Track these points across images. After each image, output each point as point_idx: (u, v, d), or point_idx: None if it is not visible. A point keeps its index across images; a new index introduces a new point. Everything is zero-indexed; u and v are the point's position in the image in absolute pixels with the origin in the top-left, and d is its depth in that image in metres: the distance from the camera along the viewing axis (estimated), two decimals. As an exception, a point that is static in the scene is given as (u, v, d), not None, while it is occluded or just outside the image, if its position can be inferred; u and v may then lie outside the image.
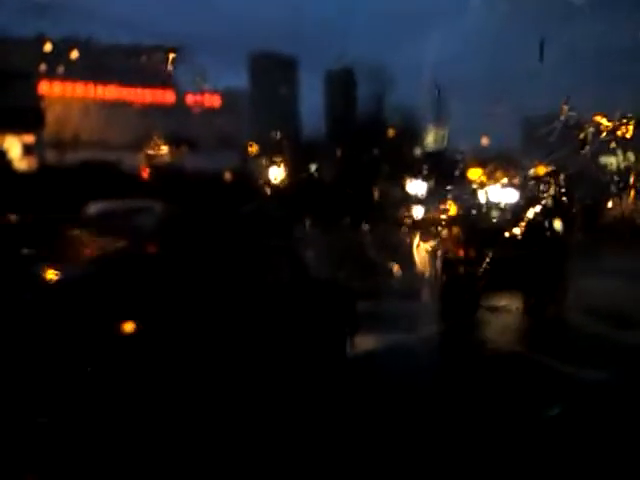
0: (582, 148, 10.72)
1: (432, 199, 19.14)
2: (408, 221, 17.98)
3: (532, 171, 16.02)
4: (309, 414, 4.90)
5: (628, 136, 10.20)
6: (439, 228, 14.07)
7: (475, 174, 20.10)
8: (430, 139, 29.20)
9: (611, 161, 18.69)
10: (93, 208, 12.60)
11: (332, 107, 37.00)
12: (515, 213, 10.67)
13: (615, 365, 6.02)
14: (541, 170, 14.55)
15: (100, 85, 27.86)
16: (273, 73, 41.97)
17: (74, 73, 26.91)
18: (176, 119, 26.99)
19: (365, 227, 15.01)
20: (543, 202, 10.92)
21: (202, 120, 28.63)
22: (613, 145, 10.80)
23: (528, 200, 11.34)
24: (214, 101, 30.78)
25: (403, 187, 21.18)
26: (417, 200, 20.09)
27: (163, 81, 29.09)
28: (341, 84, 36.82)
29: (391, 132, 25.47)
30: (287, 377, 5.34)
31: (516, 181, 17.20)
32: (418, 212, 18.53)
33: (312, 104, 38.35)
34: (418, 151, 27.53)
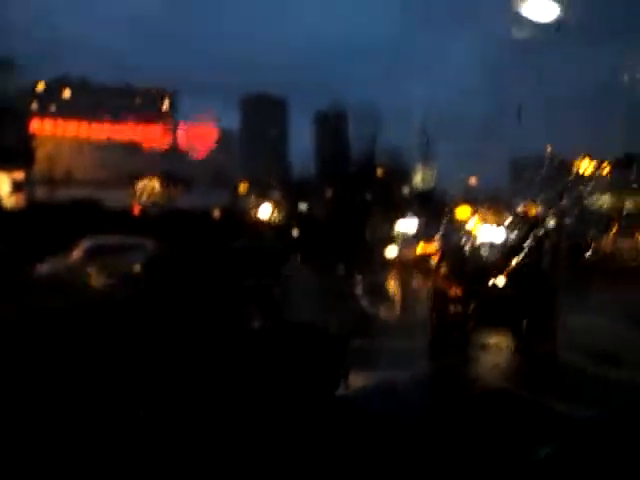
0: (565, 190, 10.99)
1: (422, 238, 19.30)
2: (394, 260, 17.99)
3: (522, 210, 16.25)
4: (296, 457, 4.86)
5: (606, 178, 10.52)
6: (425, 266, 14.17)
7: (464, 213, 20.32)
8: (419, 179, 29.60)
9: (594, 202, 19.06)
10: (84, 245, 12.66)
11: (321, 148, 37.50)
12: (503, 252, 10.77)
13: (605, 402, 6.02)
14: (532, 210, 14.79)
15: (93, 124, 28.12)
16: (264, 114, 42.59)
17: (66, 112, 27.20)
18: (169, 158, 27.23)
19: (356, 269, 15.10)
20: (530, 242, 11.08)
21: (194, 159, 28.96)
22: (592, 187, 11.09)
23: (516, 240, 11.47)
24: (207, 141, 31.22)
25: (393, 226, 21.34)
26: (405, 239, 20.21)
27: (156, 121, 29.49)
28: (330, 126, 37.42)
29: (380, 172, 25.82)
30: (273, 420, 5.31)
31: (504, 221, 17.38)
32: (394, 252, 18.55)
33: (302, 144, 38.87)
34: (407, 191, 27.85)
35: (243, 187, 26.70)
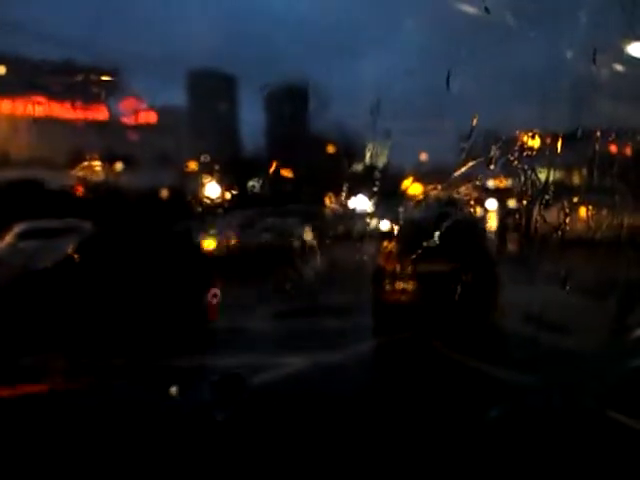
0: (511, 163, 10.99)
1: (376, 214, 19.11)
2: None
3: (492, 184, 16.07)
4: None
5: (551, 152, 10.58)
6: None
7: (416, 189, 20.28)
8: (371, 155, 29.48)
9: (542, 175, 19.16)
10: (17, 229, 12.10)
11: (271, 124, 36.97)
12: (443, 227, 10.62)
13: (554, 371, 6.10)
14: (501, 183, 14.70)
15: (30, 102, 26.95)
16: (212, 91, 41.51)
17: (1, 89, 25.96)
18: (110, 136, 26.31)
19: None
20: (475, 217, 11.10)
21: (137, 137, 28.05)
22: (536, 161, 11.18)
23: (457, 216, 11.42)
24: (149, 118, 30.23)
25: (342, 203, 21.20)
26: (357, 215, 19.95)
27: (96, 98, 28.42)
28: (278, 102, 36.85)
29: (331, 149, 25.63)
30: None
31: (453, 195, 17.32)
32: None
33: (254, 121, 38.22)
34: (359, 167, 27.76)
35: (193, 166, 26.02)
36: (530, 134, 10.15)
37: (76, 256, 9.01)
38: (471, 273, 8.94)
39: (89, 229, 11.36)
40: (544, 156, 10.64)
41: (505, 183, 14.19)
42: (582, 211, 12.35)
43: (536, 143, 10.80)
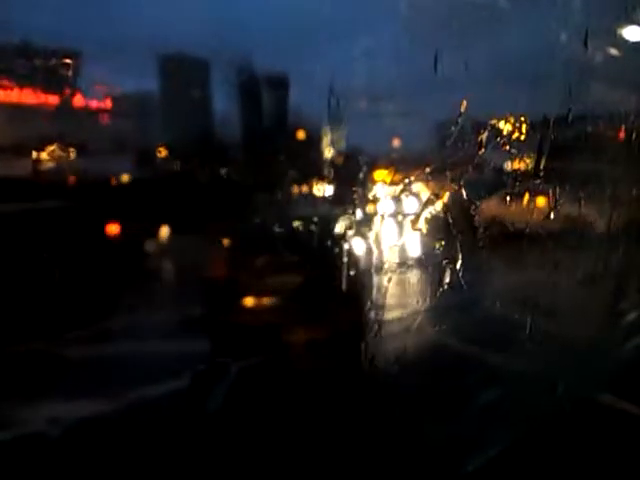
0: (479, 150, 10.49)
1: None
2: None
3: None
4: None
5: (522, 139, 10.21)
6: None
7: (382, 176, 19.78)
8: (340, 142, 29.05)
9: (512, 164, 18.86)
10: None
11: (242, 112, 36.27)
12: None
13: (545, 354, 5.90)
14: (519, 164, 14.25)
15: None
16: (184, 76, 40.34)
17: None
18: (62, 122, 25.22)
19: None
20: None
21: (93, 123, 26.96)
22: (507, 147, 10.82)
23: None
24: (105, 103, 29.11)
25: (311, 191, 20.60)
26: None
27: (56, 83, 27.27)
28: (248, 88, 36.17)
29: (300, 135, 25.01)
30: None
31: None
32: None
33: (228, 108, 37.57)
34: (330, 154, 27.23)
35: (162, 154, 24.95)
36: (521, 118, 9.65)
37: None
38: (319, 285, 7.78)
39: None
40: (533, 141, 10.22)
41: (524, 164, 13.54)
42: (573, 199, 12.01)
43: (524, 128, 10.28)
